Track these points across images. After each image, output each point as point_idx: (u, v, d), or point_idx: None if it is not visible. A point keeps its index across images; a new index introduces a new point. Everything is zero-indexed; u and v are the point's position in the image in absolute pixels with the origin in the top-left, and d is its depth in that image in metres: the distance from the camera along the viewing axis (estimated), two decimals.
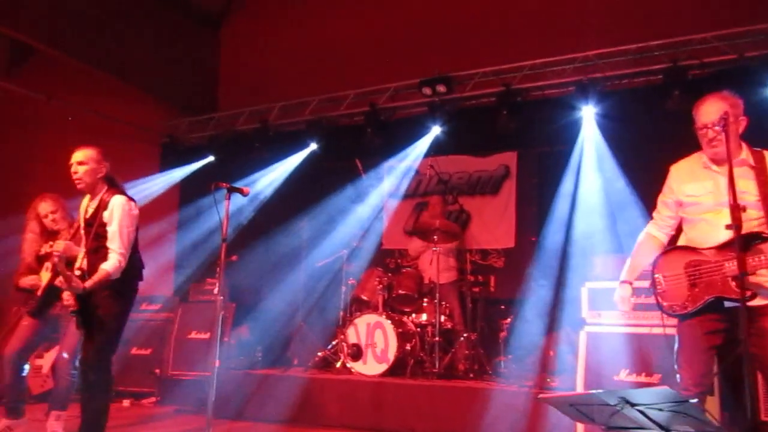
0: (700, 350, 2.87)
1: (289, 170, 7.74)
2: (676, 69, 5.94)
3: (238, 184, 3.90)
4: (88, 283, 3.57)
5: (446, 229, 5.94)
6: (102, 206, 3.76)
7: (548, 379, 4.84)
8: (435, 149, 7.02)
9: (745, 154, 2.98)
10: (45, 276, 4.55)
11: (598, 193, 6.02)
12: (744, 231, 2.70)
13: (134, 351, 6.70)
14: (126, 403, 6.24)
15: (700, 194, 3.00)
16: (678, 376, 2.92)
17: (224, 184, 3.76)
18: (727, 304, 2.81)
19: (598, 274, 4.39)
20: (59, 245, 3.67)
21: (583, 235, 5.82)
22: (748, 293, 2.66)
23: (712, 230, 2.90)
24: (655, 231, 3.23)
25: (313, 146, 7.65)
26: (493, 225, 6.95)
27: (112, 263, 3.66)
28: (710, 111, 2.96)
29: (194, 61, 8.83)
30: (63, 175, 3.90)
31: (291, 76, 8.26)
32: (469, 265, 6.25)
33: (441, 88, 6.81)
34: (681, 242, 3.11)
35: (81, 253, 3.93)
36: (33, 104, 8.22)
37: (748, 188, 2.86)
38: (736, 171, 2.78)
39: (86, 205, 3.91)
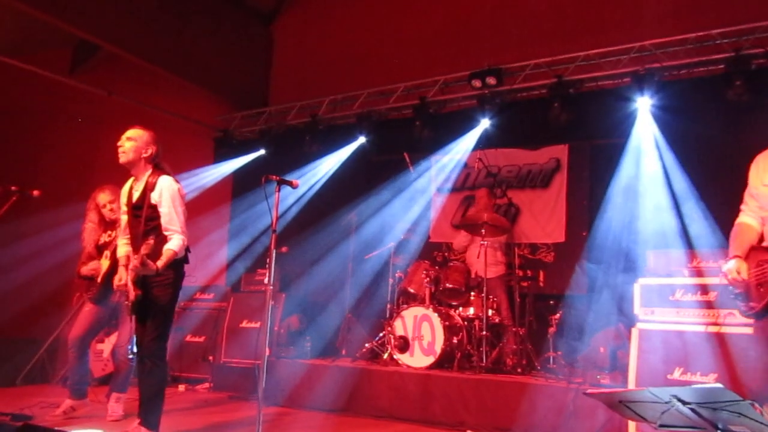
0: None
1: (338, 163, 7.81)
2: (739, 58, 5.68)
3: (288, 177, 3.96)
4: (160, 263, 3.67)
5: (494, 222, 5.89)
6: (149, 188, 3.85)
7: (598, 376, 4.75)
8: (484, 142, 6.94)
9: None
10: (105, 264, 4.76)
11: (653, 187, 5.82)
12: None
13: (188, 338, 6.94)
14: (181, 388, 6.46)
15: None
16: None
17: (274, 177, 3.82)
18: None
19: (651, 269, 4.27)
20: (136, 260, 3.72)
21: (636, 230, 5.67)
22: None
23: None
24: (749, 219, 3.03)
25: (362, 140, 7.69)
26: (543, 219, 6.83)
27: (177, 243, 3.78)
28: None
29: (247, 56, 8.99)
30: (122, 167, 4.05)
31: (341, 70, 8.32)
32: (518, 260, 6.17)
33: (491, 81, 6.73)
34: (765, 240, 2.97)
35: (122, 243, 4.04)
36: (94, 100, 8.58)
37: None
38: None
39: (129, 188, 3.99)
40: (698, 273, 4.02)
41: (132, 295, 3.74)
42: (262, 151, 8.34)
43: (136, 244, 3.83)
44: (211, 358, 6.61)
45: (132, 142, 3.92)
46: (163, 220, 3.81)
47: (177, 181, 3.95)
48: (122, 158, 3.93)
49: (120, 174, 4.16)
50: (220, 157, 8.66)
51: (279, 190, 3.86)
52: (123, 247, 4.06)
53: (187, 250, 3.96)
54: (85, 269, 4.86)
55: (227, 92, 8.77)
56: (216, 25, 8.33)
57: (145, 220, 3.81)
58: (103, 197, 4.92)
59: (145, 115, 8.13)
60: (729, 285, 2.91)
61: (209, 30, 8.20)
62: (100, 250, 4.87)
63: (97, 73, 9.54)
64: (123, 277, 3.90)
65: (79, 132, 9.76)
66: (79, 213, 5.10)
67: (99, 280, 4.74)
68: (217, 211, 8.32)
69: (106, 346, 6.38)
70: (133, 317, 3.80)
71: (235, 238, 8.36)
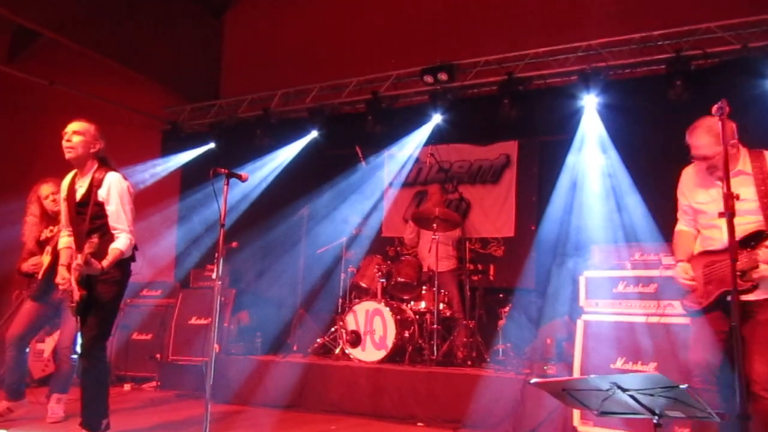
0: (710, 343, 3.03)
1: (290, 157, 7.75)
2: (679, 59, 5.91)
3: (239, 171, 3.89)
4: (105, 263, 3.56)
5: (446, 217, 5.95)
6: (95, 184, 3.71)
7: (545, 367, 4.87)
8: (436, 137, 7.01)
9: (742, 162, 3.09)
10: (46, 260, 4.58)
11: (598, 182, 6.02)
12: (743, 234, 2.93)
13: (135, 336, 6.76)
14: (127, 387, 6.30)
15: (707, 202, 3.17)
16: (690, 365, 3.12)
17: (223, 170, 3.75)
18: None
19: (596, 263, 4.39)
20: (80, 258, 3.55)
21: (582, 225, 5.83)
22: (749, 284, 2.91)
23: (721, 234, 3.07)
24: (686, 227, 3.38)
25: (315, 134, 7.65)
26: (493, 214, 6.95)
27: (124, 242, 3.67)
28: (702, 145, 3.07)
29: (197, 47, 8.80)
30: (65, 160, 3.90)
31: (293, 63, 8.24)
32: (469, 254, 6.25)
33: (443, 77, 6.80)
34: (697, 245, 3.28)
35: (64, 234, 3.90)
36: (35, 89, 8.24)
37: (747, 195, 2.99)
38: (735, 181, 2.91)
39: (71, 182, 3.84)
40: (640, 266, 4.16)
41: (76, 295, 3.60)
42: (212, 145, 8.20)
43: (79, 242, 3.70)
44: (158, 355, 6.46)
45: (80, 136, 3.74)
46: (111, 219, 3.70)
47: (125, 178, 3.83)
48: (70, 154, 3.75)
49: (62, 166, 4.00)
50: (168, 150, 8.45)
51: (228, 184, 3.79)
52: (64, 239, 3.91)
53: (135, 248, 3.86)
54: (26, 265, 4.67)
55: (176, 84, 8.55)
56: (164, 14, 8.11)
57: (90, 218, 3.68)
58: (45, 188, 4.74)
59: (89, 105, 7.86)
60: (683, 287, 3.19)
61: (157, 19, 7.97)
62: (41, 245, 4.68)
63: (37, 61, 9.15)
64: (65, 276, 3.73)
65: (18, 123, 9.36)
66: (18, 207, 4.90)
67: (40, 276, 4.56)
68: (165, 206, 8.12)
69: (47, 346, 6.16)
70: (77, 317, 3.68)
71: (183, 233, 8.19)
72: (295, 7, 8.57)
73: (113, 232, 3.69)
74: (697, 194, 3.24)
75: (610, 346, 4.01)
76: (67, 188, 3.85)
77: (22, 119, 9.31)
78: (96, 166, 3.80)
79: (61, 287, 3.80)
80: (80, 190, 3.77)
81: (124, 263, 3.76)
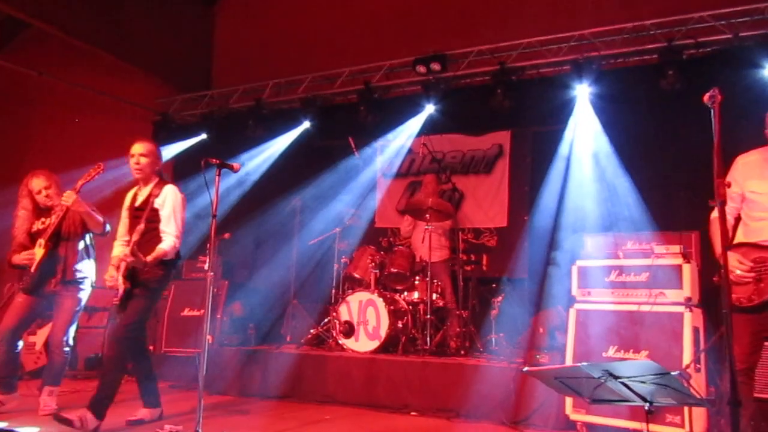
0: (750, 333, 3.02)
1: (282, 148, 7.72)
2: (672, 48, 5.91)
3: (230, 162, 3.88)
4: (149, 258, 3.86)
5: (439, 207, 5.94)
6: (153, 195, 4.08)
7: (537, 356, 4.89)
8: (429, 128, 7.00)
9: None
10: (38, 252, 4.54)
11: (590, 172, 6.03)
12: None
13: None
14: None
15: (764, 192, 3.09)
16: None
17: (215, 160, 3.75)
18: None
19: (588, 252, 4.41)
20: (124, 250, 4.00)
21: (574, 214, 5.84)
22: None
23: None
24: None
25: (307, 124, 7.62)
26: (486, 204, 6.95)
27: (169, 243, 3.99)
28: None
29: (189, 37, 8.73)
30: (55, 149, 3.90)
31: (285, 53, 8.20)
32: (462, 244, 6.26)
33: (435, 67, 6.78)
34: (739, 234, 3.21)
35: (119, 244, 4.24)
36: (24, 80, 8.15)
37: None
38: None
39: (134, 194, 4.22)
40: (632, 255, 4.17)
41: (122, 288, 3.90)
42: (203, 136, 8.16)
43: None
44: (151, 347, 6.43)
45: (147, 158, 4.15)
46: (162, 223, 4.02)
47: (180, 191, 4.18)
48: (139, 175, 4.15)
49: (53, 158, 4.00)
50: (159, 141, 8.21)
51: (219, 174, 3.79)
52: (118, 248, 4.22)
53: (179, 256, 4.15)
54: (17, 258, 4.62)
55: (167, 74, 8.49)
56: (155, 3, 8.02)
57: (145, 220, 4.00)
58: (37, 183, 4.68)
59: (79, 96, 7.79)
60: (736, 278, 3.07)
61: (148, 8, 7.89)
62: (33, 237, 4.64)
63: (26, 51, 9.05)
64: (113, 275, 4.00)
65: (8, 114, 9.27)
66: (7, 199, 4.86)
67: (33, 269, 4.52)
68: None
69: (39, 338, 6.13)
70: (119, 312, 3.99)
71: None
72: None
73: (161, 234, 4.01)
74: (752, 183, 3.15)
75: (602, 334, 4.02)
76: (130, 199, 4.25)
77: (11, 110, 9.21)
78: (157, 180, 4.20)
79: (108, 284, 4.07)
80: (140, 198, 4.18)
81: (167, 264, 4.05)
